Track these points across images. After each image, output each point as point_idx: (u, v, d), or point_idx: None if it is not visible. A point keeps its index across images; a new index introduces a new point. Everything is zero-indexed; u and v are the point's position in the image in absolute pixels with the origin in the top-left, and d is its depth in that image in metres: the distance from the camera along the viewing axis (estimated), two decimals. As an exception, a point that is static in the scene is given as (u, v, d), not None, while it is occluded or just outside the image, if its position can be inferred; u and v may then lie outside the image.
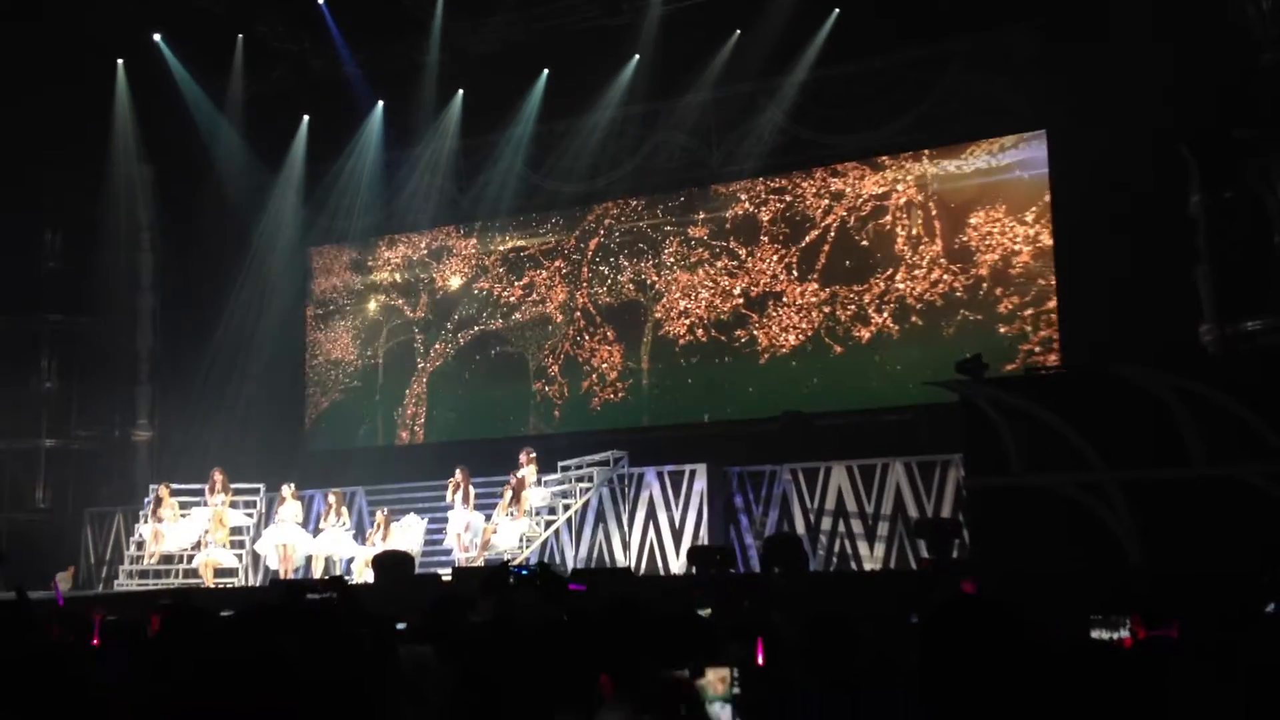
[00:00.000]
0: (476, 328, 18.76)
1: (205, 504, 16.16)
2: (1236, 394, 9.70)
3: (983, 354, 11.63)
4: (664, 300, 17.71)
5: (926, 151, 15.99)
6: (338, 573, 15.15)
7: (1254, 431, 9.52)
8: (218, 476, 16.18)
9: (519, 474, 15.10)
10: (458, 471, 15.27)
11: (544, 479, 15.44)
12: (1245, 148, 12.99)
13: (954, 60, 15.39)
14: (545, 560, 14.27)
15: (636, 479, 15.04)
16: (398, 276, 19.48)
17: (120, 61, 18.17)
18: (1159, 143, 13.46)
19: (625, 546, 14.89)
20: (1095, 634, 4.58)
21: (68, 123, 17.37)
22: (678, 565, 14.28)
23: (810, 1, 15.64)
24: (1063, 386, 11.14)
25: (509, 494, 15.00)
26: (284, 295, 19.46)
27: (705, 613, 6.02)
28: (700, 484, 14.61)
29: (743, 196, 17.42)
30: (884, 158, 16.29)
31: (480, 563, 14.58)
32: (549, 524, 15.16)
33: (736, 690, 2.87)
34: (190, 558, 16.15)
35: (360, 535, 15.88)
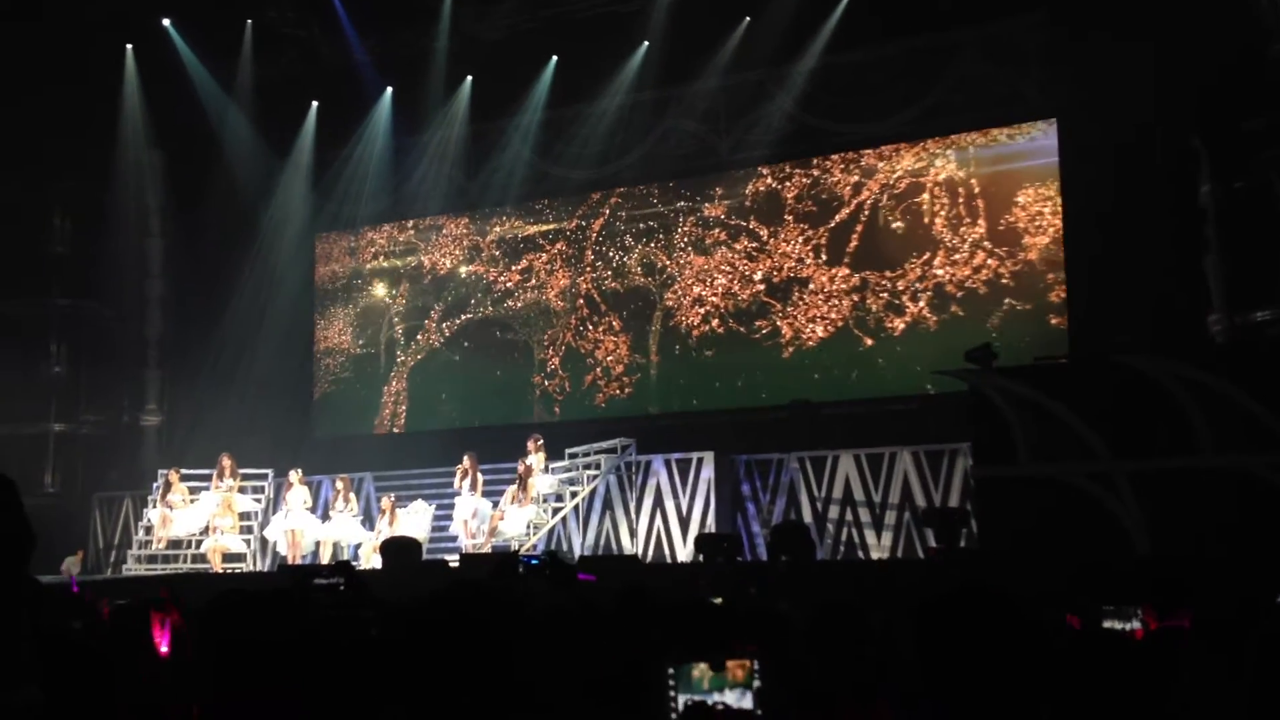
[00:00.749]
0: (482, 314, 18.72)
1: (213, 489, 16.21)
2: (1245, 384, 9.68)
3: (1035, 348, 11.63)
4: (675, 286, 17.36)
5: (960, 136, 15.67)
6: (345, 558, 15.20)
7: (1262, 422, 9.50)
8: (226, 462, 16.23)
9: (526, 461, 15.11)
10: (466, 458, 15.29)
11: (551, 466, 15.46)
12: (1256, 138, 12.95)
13: (964, 49, 15.31)
14: (553, 548, 14.28)
15: (644, 467, 15.05)
16: (403, 263, 19.47)
17: (129, 47, 18.17)
18: (1169, 133, 13.42)
19: (633, 534, 14.91)
20: (1107, 624, 4.58)
21: (77, 108, 17.38)
22: (685, 553, 14.29)
23: (820, -12, 15.63)
24: (1070, 376, 11.12)
25: (516, 481, 15.02)
26: (292, 281, 19.46)
27: (717, 602, 6.02)
28: (708, 472, 14.62)
29: (764, 171, 16.93)
30: (923, 141, 15.93)
31: (487, 549, 14.61)
32: (556, 511, 15.18)
33: (758, 682, 2.87)
34: (198, 543, 16.20)
35: (368, 521, 15.92)
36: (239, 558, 16.29)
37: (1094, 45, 13.84)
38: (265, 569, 16.03)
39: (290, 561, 15.19)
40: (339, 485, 15.83)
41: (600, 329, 17.92)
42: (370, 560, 14.63)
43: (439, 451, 16.62)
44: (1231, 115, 13.26)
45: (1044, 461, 10.23)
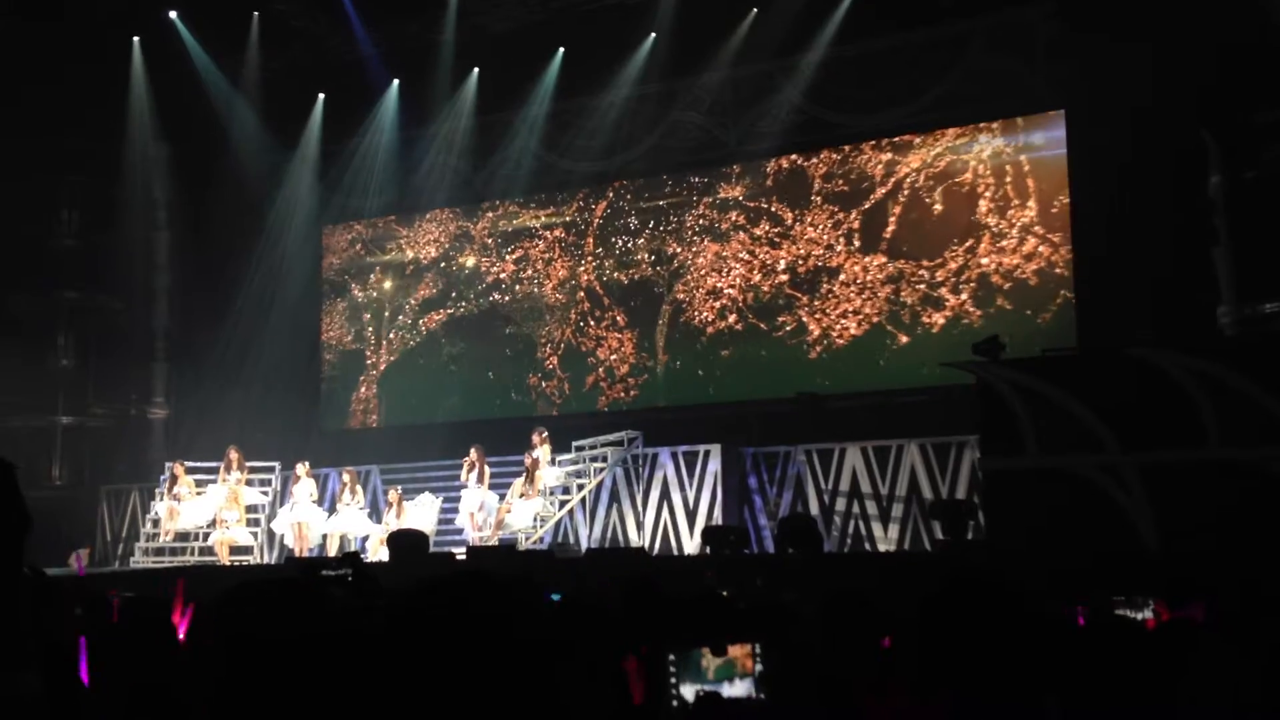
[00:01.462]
0: (486, 306, 18.68)
1: (220, 482, 16.23)
2: (1254, 376, 9.65)
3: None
4: (686, 278, 16.96)
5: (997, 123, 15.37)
6: (353, 550, 15.22)
7: (1271, 414, 9.47)
8: (233, 455, 16.25)
9: (533, 454, 15.11)
10: (472, 450, 15.30)
11: (558, 459, 15.45)
12: (1267, 130, 12.90)
13: (973, 40, 15.25)
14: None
15: (651, 459, 15.04)
16: (408, 255, 19.46)
17: (136, 39, 18.17)
18: (1178, 124, 13.37)
19: (639, 527, 14.90)
20: (1118, 614, 4.57)
21: (84, 101, 17.39)
22: (692, 546, 14.29)
23: (827, -20, 15.59)
24: (1079, 368, 11.10)
25: (523, 474, 15.03)
26: (299, 274, 19.47)
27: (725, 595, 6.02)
28: (714, 464, 14.61)
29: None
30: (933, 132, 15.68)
31: (494, 542, 14.62)
32: (563, 504, 15.18)
33: (760, 666, 2.85)
34: (206, 535, 16.22)
35: (375, 514, 15.93)
36: (246, 550, 16.31)
37: (1102, 36, 13.78)
38: (272, 561, 16.05)
39: (297, 554, 15.22)
40: (346, 478, 15.85)
41: (603, 325, 17.69)
42: (377, 553, 14.64)
43: (446, 444, 16.63)
44: (1241, 107, 13.20)
45: (1052, 454, 10.21)
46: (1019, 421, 10.39)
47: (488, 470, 15.29)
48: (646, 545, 14.42)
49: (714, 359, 16.76)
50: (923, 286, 15.45)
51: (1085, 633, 2.08)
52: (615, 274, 17.76)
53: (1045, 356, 11.29)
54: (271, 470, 16.98)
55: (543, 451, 15.19)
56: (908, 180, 15.80)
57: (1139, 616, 4.61)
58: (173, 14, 17.57)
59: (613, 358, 17.56)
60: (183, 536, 16.32)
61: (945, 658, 2.12)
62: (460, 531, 15.30)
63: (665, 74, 16.91)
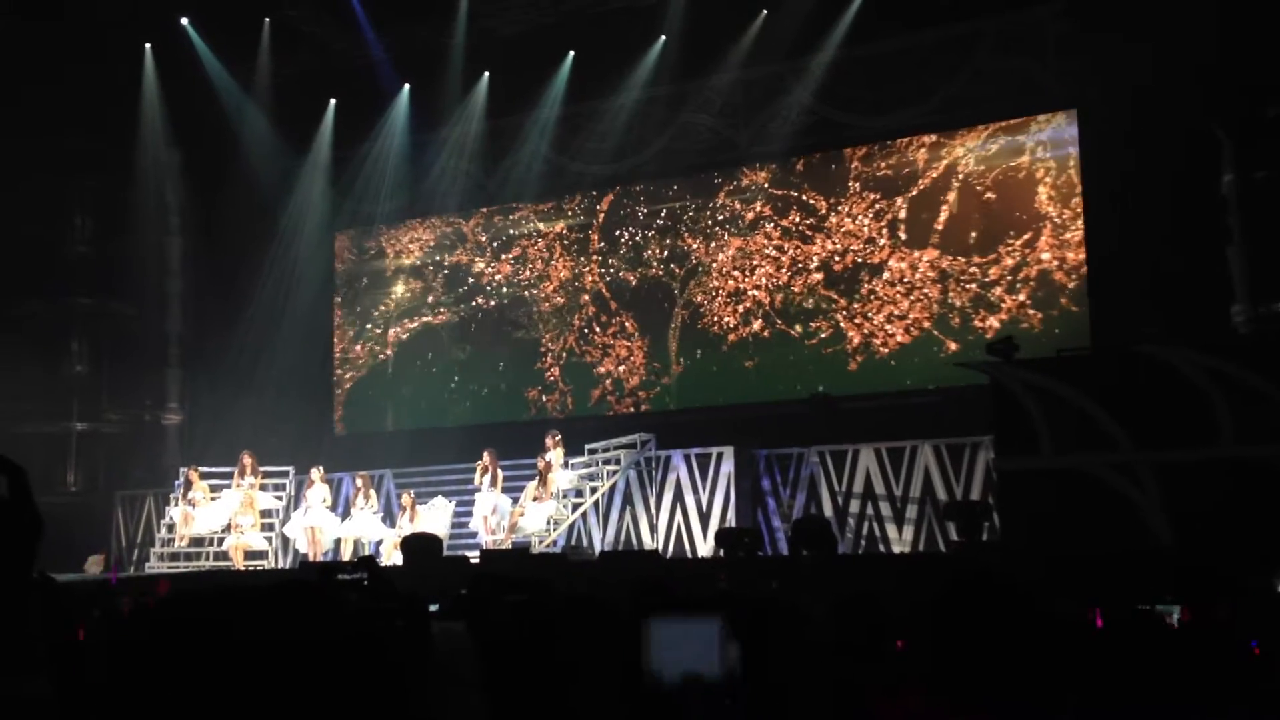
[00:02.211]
0: (496, 311, 18.68)
1: (235, 487, 16.27)
2: (1268, 375, 9.61)
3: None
4: (704, 278, 16.50)
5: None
6: (367, 555, 15.24)
7: (1286, 412, 9.43)
8: (247, 460, 16.29)
9: (546, 457, 15.11)
10: (485, 454, 15.31)
11: (571, 462, 15.45)
12: (1278, 123, 12.85)
13: (984, 40, 15.21)
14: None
15: (664, 462, 15.02)
16: (419, 259, 19.47)
17: (148, 46, 18.23)
18: (1191, 122, 13.32)
19: (653, 529, 14.89)
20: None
21: (97, 107, 17.45)
22: (705, 548, 14.27)
23: (837, -19, 15.57)
24: (1093, 367, 11.06)
25: (536, 477, 15.04)
26: (312, 279, 19.51)
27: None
28: (727, 467, 14.59)
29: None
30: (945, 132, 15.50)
31: (508, 545, 14.63)
32: (576, 507, 15.18)
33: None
34: (220, 540, 16.26)
35: (389, 518, 15.95)
36: (261, 555, 16.34)
37: (1113, 34, 13.74)
38: (286, 566, 16.08)
39: (311, 559, 15.24)
40: (359, 482, 15.87)
41: (610, 332, 17.47)
42: (391, 557, 14.65)
43: (458, 448, 16.65)
44: (1254, 104, 13.15)
45: (1066, 453, 10.17)
46: (1033, 421, 10.36)
47: (501, 474, 15.30)
48: (660, 548, 14.41)
49: (736, 370, 16.22)
50: (974, 286, 14.78)
51: (1107, 632, 2.07)
52: (626, 277, 17.65)
53: (1059, 356, 11.26)
54: (285, 475, 17.01)
55: (555, 454, 15.20)
56: (961, 165, 15.16)
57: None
58: (184, 20, 17.63)
59: (620, 368, 17.32)
60: (197, 541, 16.35)
61: (957, 658, 2.12)
62: (474, 535, 15.32)
63: (675, 76, 16.91)
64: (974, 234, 15.25)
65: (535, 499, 14.95)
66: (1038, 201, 15.08)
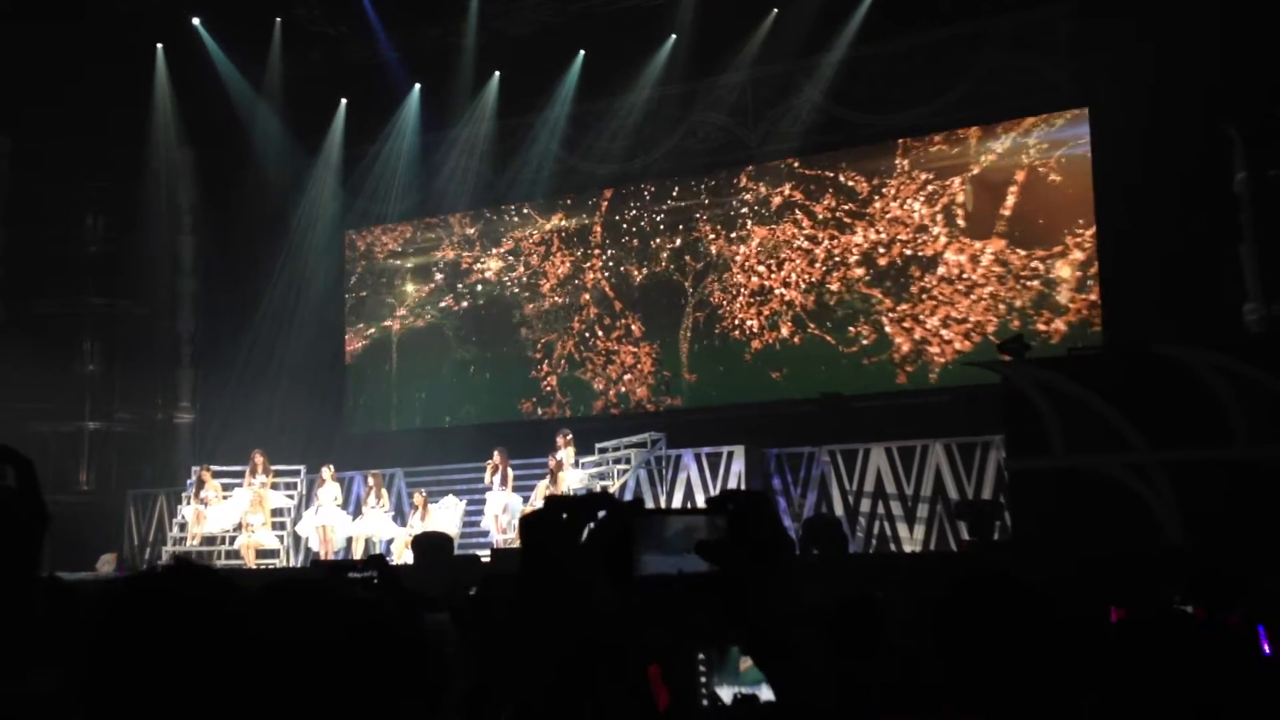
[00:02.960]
0: (503, 310, 18.67)
1: (246, 486, 16.31)
2: (1280, 374, 9.57)
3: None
4: (723, 274, 15.93)
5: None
6: (378, 553, 15.28)
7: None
8: (258, 458, 16.33)
9: (556, 456, 15.11)
10: (496, 453, 15.33)
11: (581, 460, 15.45)
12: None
13: (994, 38, 15.17)
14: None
15: (674, 461, 15.01)
16: (430, 259, 19.49)
17: (160, 46, 18.28)
18: (1204, 120, 13.27)
19: (663, 528, 14.82)
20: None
21: (109, 107, 17.49)
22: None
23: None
24: (1105, 366, 11.02)
25: (547, 476, 15.04)
26: (323, 278, 19.56)
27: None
28: (738, 466, 14.56)
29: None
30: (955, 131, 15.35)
31: (518, 544, 14.60)
32: (587, 506, 15.13)
33: None
34: (232, 539, 16.30)
35: (400, 517, 15.97)
36: (272, 554, 16.38)
37: (1125, 32, 13.69)
38: (298, 565, 16.10)
39: (323, 557, 15.26)
40: (370, 481, 15.90)
41: (614, 336, 17.22)
42: (402, 555, 14.67)
43: (469, 447, 16.66)
44: (1266, 102, 13.10)
45: (1078, 453, 10.14)
46: (1045, 421, 10.33)
47: (511, 472, 15.30)
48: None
49: (763, 380, 15.47)
50: (1036, 284, 13.80)
51: (1127, 629, 2.05)
52: (632, 273, 17.57)
53: (1071, 355, 11.22)
54: (296, 474, 17.04)
55: (566, 453, 15.20)
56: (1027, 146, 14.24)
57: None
58: (196, 21, 17.67)
59: (626, 376, 17.17)
60: (209, 540, 16.40)
61: (967, 659, 2.10)
62: (485, 534, 15.32)
63: (686, 75, 16.91)
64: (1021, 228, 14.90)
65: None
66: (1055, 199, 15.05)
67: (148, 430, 19.41)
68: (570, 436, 15.35)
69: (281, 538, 16.52)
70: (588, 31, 17.19)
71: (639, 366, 17.01)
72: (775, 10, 16.18)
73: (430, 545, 12.63)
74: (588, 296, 17.60)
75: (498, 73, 18.19)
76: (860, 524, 14.04)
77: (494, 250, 18.98)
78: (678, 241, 17.08)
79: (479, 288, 19.00)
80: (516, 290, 18.58)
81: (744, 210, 15.81)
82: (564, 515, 1.56)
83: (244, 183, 18.58)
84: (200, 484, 16.44)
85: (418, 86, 18.70)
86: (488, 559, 12.85)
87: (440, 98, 18.29)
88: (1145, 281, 13.52)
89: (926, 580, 8.24)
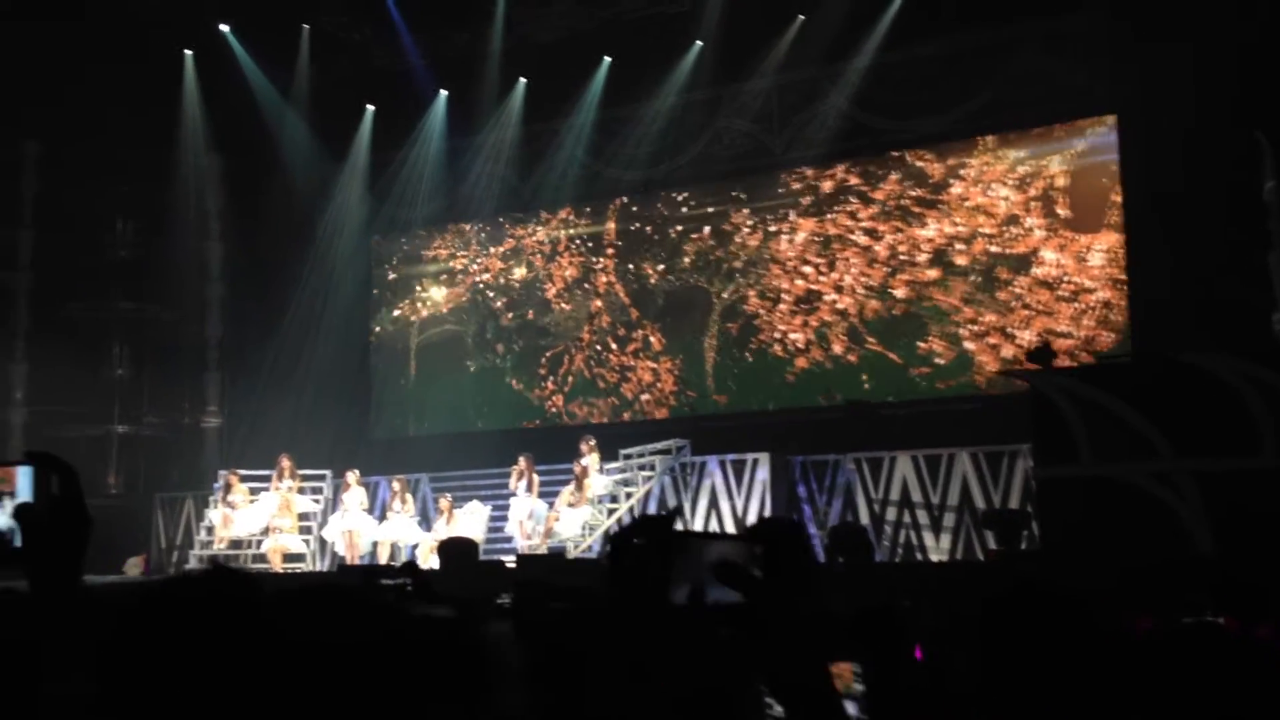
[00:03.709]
0: (524, 316, 18.70)
1: (273, 490, 16.38)
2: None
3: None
4: (761, 277, 15.63)
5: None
6: (402, 559, 15.34)
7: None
8: (285, 463, 16.40)
9: (581, 462, 15.14)
10: (521, 459, 15.36)
11: (606, 467, 15.46)
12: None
13: (1024, 44, 15.09)
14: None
15: (698, 468, 15.00)
16: (456, 265, 19.55)
17: (189, 53, 18.41)
18: (1234, 127, 13.20)
19: (687, 535, 14.79)
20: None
21: (138, 114, 17.62)
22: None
23: (874, -14, 15.53)
24: (1133, 375, 10.97)
25: (572, 482, 15.07)
26: (349, 284, 19.65)
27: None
28: (763, 473, 14.55)
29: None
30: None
31: (543, 550, 14.65)
32: (611, 512, 15.19)
33: (859, 686, 2.77)
34: (259, 543, 16.37)
35: (425, 522, 16.02)
36: (299, 558, 16.45)
37: (1156, 39, 13.62)
38: (324, 568, 16.16)
39: (348, 561, 15.31)
40: (395, 486, 15.96)
41: (629, 350, 17.10)
42: (427, 560, 14.71)
43: (494, 452, 16.69)
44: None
45: (1106, 461, 10.09)
46: (1073, 429, 10.29)
47: (537, 478, 15.33)
48: (695, 554, 14.35)
49: (779, 382, 15.43)
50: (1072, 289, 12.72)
51: (1162, 642, 2.03)
52: (654, 280, 17.56)
53: (1099, 363, 11.16)
54: (323, 478, 17.11)
55: (591, 460, 15.21)
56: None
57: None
58: (224, 28, 17.79)
59: (645, 397, 17.10)
60: (236, 544, 16.48)
61: (1007, 672, 2.09)
62: (509, 540, 15.35)
63: (711, 81, 16.90)
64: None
65: (571, 504, 14.97)
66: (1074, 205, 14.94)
67: (175, 434, 19.53)
68: (594, 443, 15.37)
69: (308, 542, 16.59)
70: (614, 38, 17.22)
71: (659, 385, 16.87)
72: (801, 16, 16.16)
73: (456, 551, 12.64)
74: (599, 304, 17.50)
75: (524, 79, 18.23)
76: (886, 533, 14.00)
77: (518, 256, 19.02)
78: (707, 241, 16.99)
79: (503, 294, 19.04)
80: (540, 296, 18.61)
81: (786, 199, 14.96)
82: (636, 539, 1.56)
83: (271, 188, 18.70)
84: (227, 488, 16.53)
85: (444, 93, 18.77)
86: (513, 565, 12.87)
87: (466, 104, 18.36)
88: (1173, 289, 13.44)
89: (955, 590, 8.21)
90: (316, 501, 16.94)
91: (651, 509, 15.02)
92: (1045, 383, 10.67)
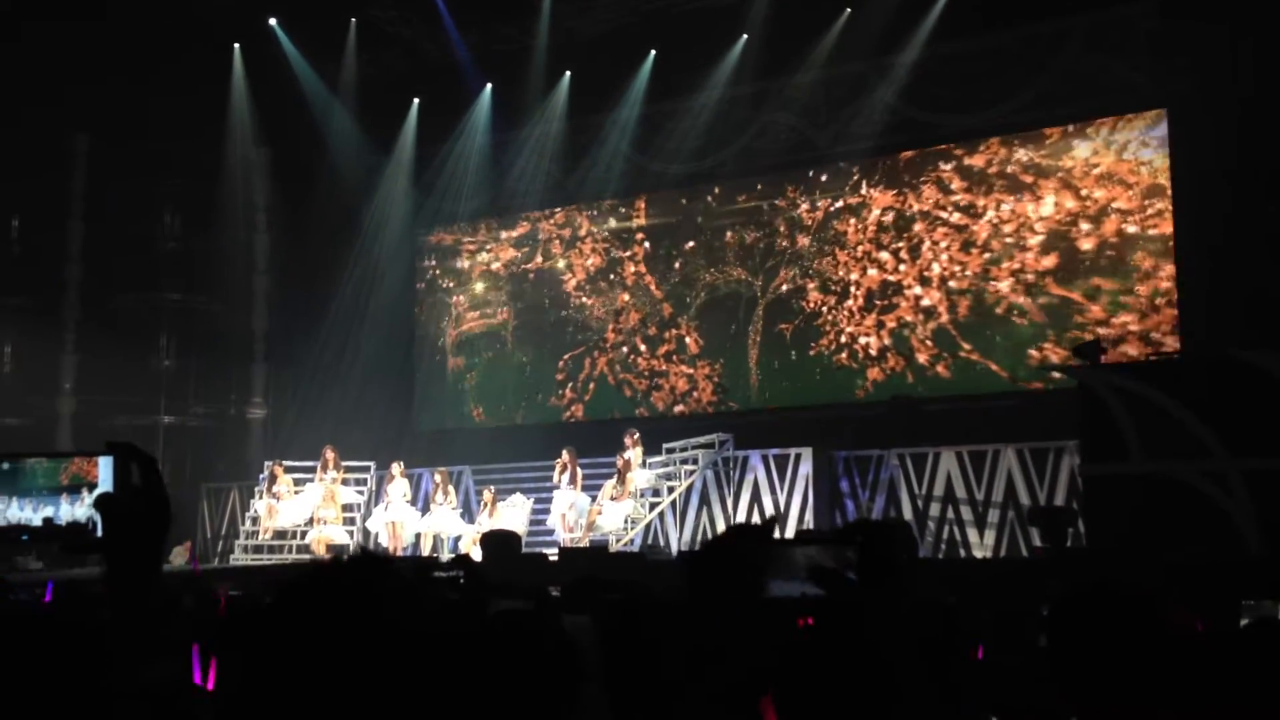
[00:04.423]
0: (566, 312, 18.76)
1: (317, 481, 16.52)
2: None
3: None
4: (822, 263, 16.09)
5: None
6: (444, 550, 15.46)
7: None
8: (329, 454, 16.54)
9: (624, 456, 15.16)
10: (565, 452, 15.40)
11: (649, 461, 15.48)
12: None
13: (1072, 38, 14.96)
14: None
15: (741, 462, 14.98)
16: (498, 258, 19.60)
17: (237, 46, 18.57)
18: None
19: (730, 529, 14.77)
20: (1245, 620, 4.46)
21: (187, 107, 17.78)
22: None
23: (922, -21, 15.42)
24: (1183, 372, 10.86)
25: (615, 475, 15.10)
26: (394, 276, 19.75)
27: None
28: (805, 468, 14.51)
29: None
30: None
31: (585, 543, 14.68)
32: (654, 506, 15.19)
33: None
34: (303, 534, 16.51)
35: (467, 514, 16.11)
36: (343, 549, 16.56)
37: (1204, 32, 13.47)
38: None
39: (392, 553, 15.41)
40: (438, 478, 16.04)
41: (661, 352, 17.20)
42: (469, 552, 14.78)
43: (538, 445, 16.74)
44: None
45: (1155, 459, 10.00)
46: (1121, 426, 10.19)
47: (580, 472, 15.36)
48: (738, 548, 14.33)
49: (820, 377, 15.96)
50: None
51: (1233, 643, 2.01)
52: (705, 279, 17.58)
53: (1149, 360, 11.06)
54: (367, 470, 17.23)
55: (634, 453, 15.23)
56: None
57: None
58: (273, 21, 17.93)
59: (678, 408, 17.09)
60: (280, 534, 16.63)
61: (1081, 670, 2.08)
62: (551, 533, 15.40)
63: (757, 75, 16.85)
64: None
65: (613, 498, 15.00)
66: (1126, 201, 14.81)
67: (221, 425, 19.73)
68: (638, 436, 15.39)
69: (352, 533, 16.71)
70: (659, 31, 17.19)
71: (695, 394, 16.86)
72: (848, 10, 16.08)
73: (498, 543, 12.71)
74: (627, 298, 17.42)
75: (569, 72, 18.25)
76: (930, 529, 13.94)
77: (562, 250, 19.05)
78: (753, 234, 16.98)
79: (546, 287, 19.08)
80: (583, 290, 18.64)
81: (853, 170, 14.46)
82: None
83: (318, 181, 18.81)
84: (273, 479, 16.68)
85: (489, 86, 18.82)
86: (555, 557, 12.91)
87: (511, 97, 18.39)
88: (1223, 286, 13.29)
89: (1001, 587, 8.17)
90: (360, 493, 17.05)
91: (694, 503, 15.03)
92: (1095, 379, 10.58)
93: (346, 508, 16.77)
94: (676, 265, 17.86)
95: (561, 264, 19.00)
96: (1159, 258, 14.51)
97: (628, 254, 18.34)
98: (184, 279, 19.37)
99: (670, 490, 15.22)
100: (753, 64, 16.80)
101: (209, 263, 19.21)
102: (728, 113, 17.21)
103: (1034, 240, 15.07)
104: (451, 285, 19.98)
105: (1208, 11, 13.47)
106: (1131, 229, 14.71)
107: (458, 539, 15.71)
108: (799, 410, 16.27)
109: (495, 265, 19.64)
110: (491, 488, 15.84)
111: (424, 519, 15.97)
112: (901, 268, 15.59)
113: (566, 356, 18.10)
